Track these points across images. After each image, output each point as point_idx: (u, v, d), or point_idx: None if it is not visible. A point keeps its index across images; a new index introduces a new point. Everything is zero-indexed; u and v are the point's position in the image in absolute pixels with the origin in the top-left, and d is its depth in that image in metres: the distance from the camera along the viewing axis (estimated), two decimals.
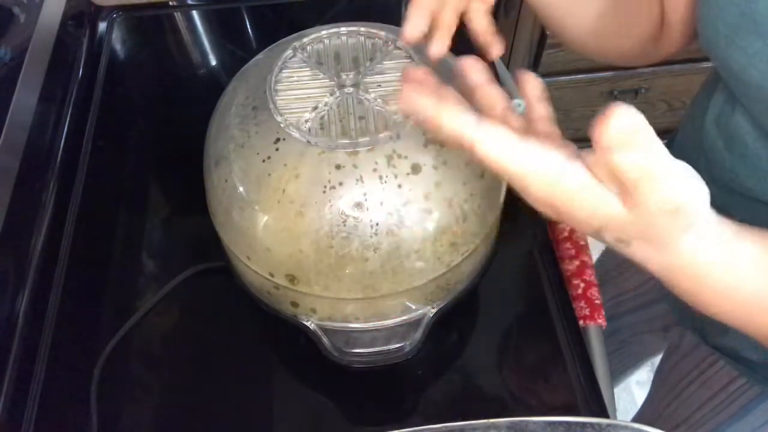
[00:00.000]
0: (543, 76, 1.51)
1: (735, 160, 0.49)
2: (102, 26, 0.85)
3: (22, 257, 0.60)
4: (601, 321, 0.62)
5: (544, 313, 0.60)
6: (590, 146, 0.30)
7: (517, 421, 0.41)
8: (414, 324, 0.52)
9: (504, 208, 0.54)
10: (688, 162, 0.54)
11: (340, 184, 0.43)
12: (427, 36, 0.46)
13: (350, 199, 0.43)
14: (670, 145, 0.64)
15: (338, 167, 0.44)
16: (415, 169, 0.44)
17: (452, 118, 0.32)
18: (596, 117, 0.28)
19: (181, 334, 0.60)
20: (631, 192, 0.30)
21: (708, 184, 0.53)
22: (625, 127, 0.27)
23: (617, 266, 0.80)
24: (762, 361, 0.58)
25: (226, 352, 0.59)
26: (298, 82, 0.49)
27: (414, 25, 0.45)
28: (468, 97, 0.35)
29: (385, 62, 0.50)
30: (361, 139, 0.44)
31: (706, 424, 0.69)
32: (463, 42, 0.49)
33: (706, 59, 0.48)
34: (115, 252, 0.65)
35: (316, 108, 0.47)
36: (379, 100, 0.47)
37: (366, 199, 0.43)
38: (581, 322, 0.60)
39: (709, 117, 0.52)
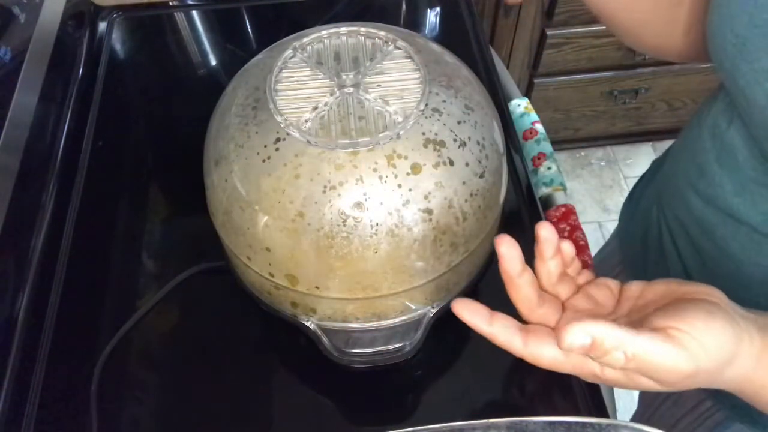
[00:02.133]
0: (543, 76, 1.53)
1: (724, 175, 0.48)
2: (102, 26, 0.86)
3: (22, 257, 0.60)
4: None
5: None
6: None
7: (517, 421, 0.41)
8: (414, 324, 0.52)
9: (504, 208, 0.54)
10: (678, 172, 0.53)
11: (340, 184, 0.43)
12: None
13: (350, 199, 0.43)
14: (668, 152, 0.64)
15: (338, 167, 0.44)
16: (415, 169, 0.44)
17: (502, 336, 0.37)
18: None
19: (181, 334, 0.60)
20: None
21: (694, 197, 0.52)
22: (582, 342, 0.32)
23: (613, 267, 0.80)
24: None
25: (226, 352, 0.59)
26: (298, 82, 0.49)
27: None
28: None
29: (385, 62, 0.50)
30: (361, 139, 0.44)
31: None
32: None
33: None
34: (115, 252, 0.65)
35: (316, 108, 0.47)
36: (379, 100, 0.47)
37: (366, 199, 0.43)
38: None
39: (705, 127, 0.51)
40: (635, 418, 0.83)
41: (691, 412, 0.64)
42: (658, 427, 0.71)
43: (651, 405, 0.73)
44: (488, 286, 0.60)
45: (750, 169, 0.45)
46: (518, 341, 0.37)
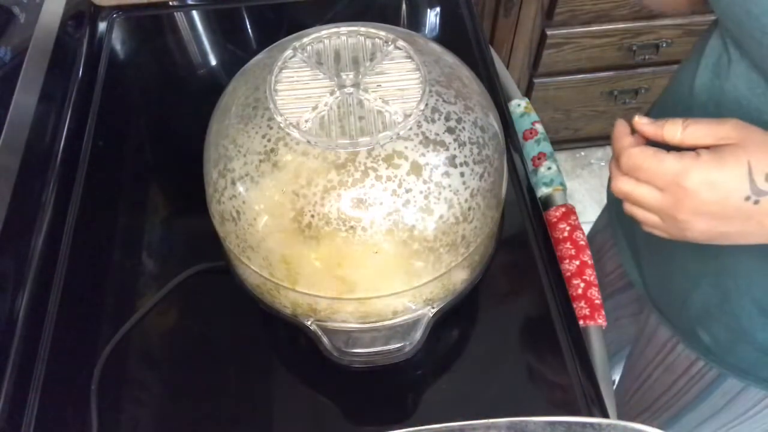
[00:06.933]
0: (543, 76, 1.52)
1: None
2: (102, 26, 0.86)
3: (22, 257, 0.60)
4: (602, 321, 0.62)
5: (544, 313, 0.60)
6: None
7: (517, 421, 0.41)
8: (414, 324, 0.52)
9: (504, 208, 0.54)
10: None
11: (340, 184, 0.43)
12: None
13: (350, 199, 0.43)
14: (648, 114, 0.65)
15: (338, 167, 0.44)
16: (415, 169, 0.44)
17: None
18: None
19: (181, 334, 0.60)
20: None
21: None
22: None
23: (596, 252, 0.80)
24: (713, 342, 0.59)
25: (226, 352, 0.59)
26: (298, 82, 0.49)
27: None
28: None
29: (385, 62, 0.50)
30: (361, 139, 0.44)
31: (669, 410, 0.71)
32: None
33: None
34: (115, 252, 0.65)
35: (316, 108, 0.47)
36: (379, 100, 0.47)
37: (366, 199, 0.43)
38: (581, 322, 0.60)
39: (698, 82, 0.52)
40: (619, 390, 0.83)
41: (684, 375, 0.66)
42: (648, 397, 0.73)
43: (640, 376, 0.74)
44: (488, 286, 0.61)
45: (755, 110, 0.47)
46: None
